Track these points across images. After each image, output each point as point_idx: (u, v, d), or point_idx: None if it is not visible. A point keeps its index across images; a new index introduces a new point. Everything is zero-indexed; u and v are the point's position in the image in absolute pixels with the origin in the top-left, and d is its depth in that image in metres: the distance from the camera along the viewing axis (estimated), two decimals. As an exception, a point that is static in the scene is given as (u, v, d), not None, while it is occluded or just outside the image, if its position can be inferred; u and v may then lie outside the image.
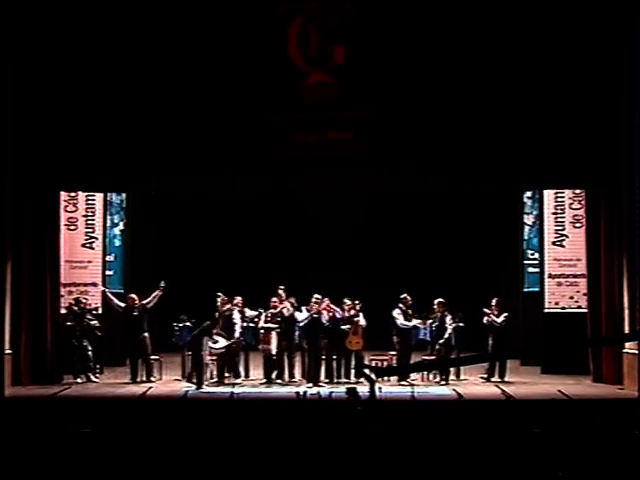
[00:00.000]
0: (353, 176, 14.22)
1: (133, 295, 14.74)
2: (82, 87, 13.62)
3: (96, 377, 14.41)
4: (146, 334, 14.45)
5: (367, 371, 5.68)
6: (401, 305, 14.40)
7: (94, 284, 15.32)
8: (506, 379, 14.35)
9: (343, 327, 14.07)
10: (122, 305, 14.66)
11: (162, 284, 14.37)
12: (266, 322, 14.25)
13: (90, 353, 14.32)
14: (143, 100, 13.73)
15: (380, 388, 13.17)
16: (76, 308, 14.39)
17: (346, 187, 14.59)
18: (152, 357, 14.60)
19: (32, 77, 13.47)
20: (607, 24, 13.19)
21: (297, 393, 12.70)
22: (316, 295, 14.11)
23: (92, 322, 14.49)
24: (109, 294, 14.95)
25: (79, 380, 14.10)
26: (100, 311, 15.25)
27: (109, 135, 13.79)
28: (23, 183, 13.61)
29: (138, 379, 14.35)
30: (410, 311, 14.39)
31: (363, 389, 5.76)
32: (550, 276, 15.53)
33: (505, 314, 14.67)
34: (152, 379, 14.37)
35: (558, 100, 13.51)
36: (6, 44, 13.05)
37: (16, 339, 13.72)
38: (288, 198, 14.79)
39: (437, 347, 14.35)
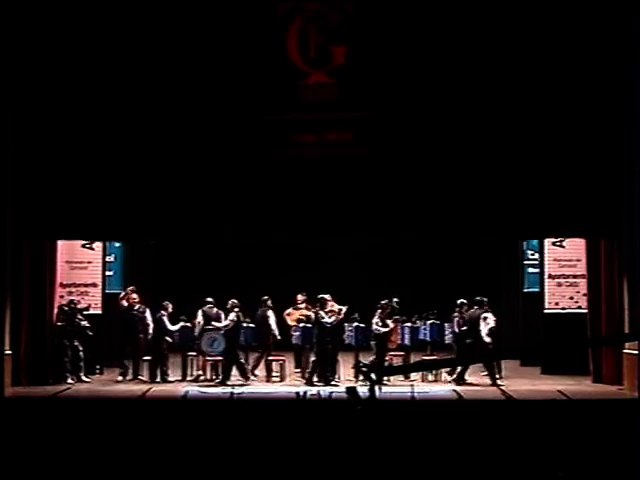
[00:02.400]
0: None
1: (134, 295, 14.86)
2: (80, 133, 13.56)
3: (88, 377, 14.47)
4: (141, 335, 14.61)
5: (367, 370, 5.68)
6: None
7: (94, 284, 15.36)
8: (500, 375, 14.43)
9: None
10: (125, 304, 14.76)
11: None
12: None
13: (81, 353, 14.35)
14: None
15: (380, 388, 13.26)
16: (67, 308, 14.41)
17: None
18: (145, 358, 14.75)
19: (33, 130, 13.50)
20: (607, 72, 13.14)
21: (297, 393, 12.72)
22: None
23: (82, 322, 14.50)
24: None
25: (70, 380, 14.11)
26: (100, 311, 15.30)
27: (107, 185, 13.64)
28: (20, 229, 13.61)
29: (128, 377, 14.56)
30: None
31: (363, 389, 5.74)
32: (550, 276, 15.56)
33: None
34: (140, 377, 14.55)
35: (559, 150, 13.39)
36: (7, 97, 13.15)
37: (16, 339, 13.71)
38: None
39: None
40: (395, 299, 14.65)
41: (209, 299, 14.67)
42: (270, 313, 14.92)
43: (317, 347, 14.16)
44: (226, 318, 14.46)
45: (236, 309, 14.39)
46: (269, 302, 15.04)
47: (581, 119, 13.32)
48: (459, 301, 14.60)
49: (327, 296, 14.34)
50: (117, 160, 13.62)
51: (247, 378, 14.32)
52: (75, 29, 13.38)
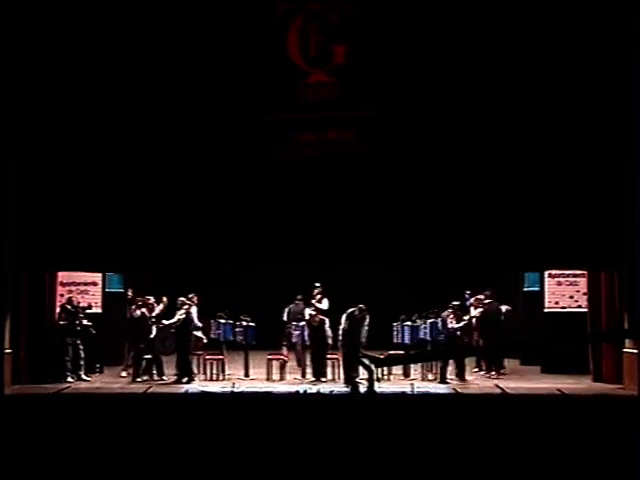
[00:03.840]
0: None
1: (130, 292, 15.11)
2: (77, 162, 13.56)
3: (88, 376, 14.53)
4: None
5: (366, 361, 5.70)
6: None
7: (94, 283, 15.41)
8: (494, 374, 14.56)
9: None
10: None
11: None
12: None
13: (82, 352, 14.40)
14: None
15: (379, 379, 13.36)
16: (69, 307, 14.43)
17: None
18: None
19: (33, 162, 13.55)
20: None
21: (297, 392, 12.73)
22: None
23: (84, 322, 14.54)
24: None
25: (70, 379, 14.17)
26: (100, 310, 15.36)
27: (104, 217, 13.59)
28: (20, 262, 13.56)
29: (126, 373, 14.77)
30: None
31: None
32: (550, 275, 15.56)
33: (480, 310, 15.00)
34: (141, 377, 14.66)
35: (560, 182, 13.29)
36: (6, 132, 13.25)
37: (16, 338, 13.75)
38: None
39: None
40: (468, 291, 14.80)
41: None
42: (307, 310, 15.06)
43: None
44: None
45: (185, 307, 14.44)
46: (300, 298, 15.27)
47: (582, 151, 13.22)
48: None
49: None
50: (114, 189, 13.57)
51: (190, 379, 14.37)
52: (70, 58, 13.41)
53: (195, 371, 14.72)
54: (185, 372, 14.41)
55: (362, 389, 5.42)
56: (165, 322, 14.61)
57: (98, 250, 13.59)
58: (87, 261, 13.96)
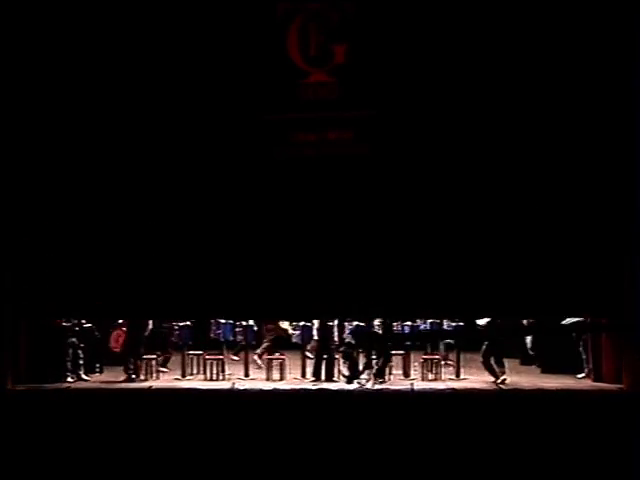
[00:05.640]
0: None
1: None
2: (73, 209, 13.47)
3: (88, 376, 14.54)
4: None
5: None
6: None
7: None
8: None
9: None
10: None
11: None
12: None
13: (81, 352, 14.41)
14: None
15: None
16: (72, 310, 14.51)
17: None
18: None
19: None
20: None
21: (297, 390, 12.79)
22: None
23: (87, 324, 14.57)
24: None
25: (69, 379, 14.16)
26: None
27: (102, 265, 13.44)
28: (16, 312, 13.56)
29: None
30: None
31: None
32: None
33: None
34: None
35: (558, 227, 13.12)
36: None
37: (16, 338, 13.74)
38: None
39: None
40: None
41: None
42: None
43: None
44: None
45: None
46: None
47: (581, 195, 13.05)
48: None
49: None
50: (109, 232, 13.46)
51: (133, 377, 14.36)
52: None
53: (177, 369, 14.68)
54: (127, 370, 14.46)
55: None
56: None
57: (97, 298, 13.44)
58: (86, 309, 13.84)
